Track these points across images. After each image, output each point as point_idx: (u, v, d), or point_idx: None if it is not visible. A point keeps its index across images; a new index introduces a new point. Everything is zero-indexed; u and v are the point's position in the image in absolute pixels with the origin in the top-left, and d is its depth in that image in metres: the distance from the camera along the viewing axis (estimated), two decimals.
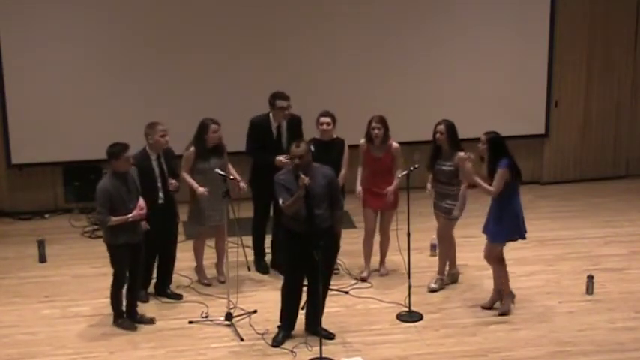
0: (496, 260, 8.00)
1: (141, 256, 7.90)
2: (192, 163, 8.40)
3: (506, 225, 7.84)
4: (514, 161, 7.82)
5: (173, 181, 8.19)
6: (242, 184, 8.44)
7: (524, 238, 8.01)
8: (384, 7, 11.00)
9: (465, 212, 8.44)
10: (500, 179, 7.70)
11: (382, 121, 8.48)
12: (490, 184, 7.75)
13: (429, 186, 8.46)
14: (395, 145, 8.60)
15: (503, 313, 8.04)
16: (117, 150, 7.57)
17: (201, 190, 8.33)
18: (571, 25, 11.47)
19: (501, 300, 8.15)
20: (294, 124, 8.80)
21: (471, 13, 11.20)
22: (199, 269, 8.82)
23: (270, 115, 8.74)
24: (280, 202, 7.39)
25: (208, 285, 8.72)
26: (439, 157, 8.32)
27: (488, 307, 8.18)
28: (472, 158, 8.08)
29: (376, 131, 8.47)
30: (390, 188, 8.52)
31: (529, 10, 11.32)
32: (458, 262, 8.82)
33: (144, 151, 8.09)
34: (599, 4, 11.48)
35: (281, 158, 8.46)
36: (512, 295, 8.14)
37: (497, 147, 7.79)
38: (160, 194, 8.14)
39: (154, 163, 8.12)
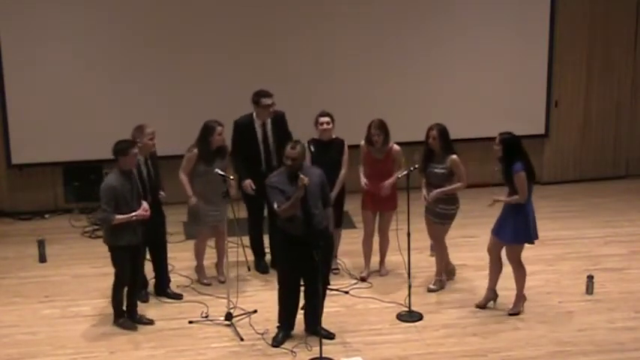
0: (519, 262, 8.00)
1: (141, 258, 7.90)
2: (193, 164, 8.39)
3: (521, 226, 7.83)
4: (529, 161, 7.81)
5: (163, 193, 8.26)
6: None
7: (532, 243, 7.99)
8: (384, 7, 11.00)
9: (464, 212, 8.43)
10: (522, 184, 7.70)
11: (381, 127, 8.46)
12: (508, 185, 7.77)
13: (424, 191, 8.41)
14: (396, 147, 8.59)
15: (515, 314, 8.05)
16: (124, 146, 7.58)
17: (193, 200, 8.37)
18: (571, 25, 11.47)
19: (495, 299, 8.19)
20: (279, 120, 8.80)
21: (471, 13, 11.20)
22: (199, 269, 8.82)
23: (254, 114, 8.73)
24: (275, 206, 7.34)
25: (208, 285, 8.72)
26: (431, 161, 8.31)
27: (482, 306, 8.18)
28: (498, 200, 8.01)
29: (375, 137, 8.47)
30: (387, 182, 8.50)
31: (529, 10, 11.33)
32: (457, 262, 8.84)
33: None
34: (599, 4, 11.48)
35: (248, 183, 8.53)
36: (524, 299, 8.15)
37: (512, 148, 7.78)
38: (148, 195, 8.13)
39: (142, 167, 8.11)
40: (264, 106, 8.64)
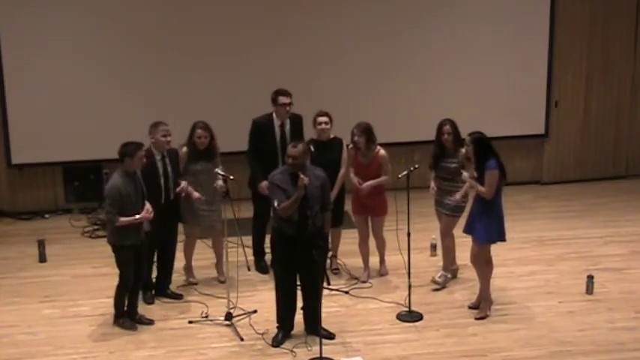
0: (484, 263, 7.97)
1: (143, 257, 7.90)
2: (184, 163, 8.40)
3: (493, 225, 7.81)
4: (501, 161, 7.79)
5: (182, 183, 8.20)
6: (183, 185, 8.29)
7: (504, 240, 7.98)
8: (384, 7, 11.00)
9: (465, 212, 8.42)
10: (492, 180, 7.67)
11: (363, 130, 8.41)
12: (479, 185, 7.75)
13: (432, 184, 8.45)
14: (382, 152, 8.54)
15: (481, 318, 7.99)
16: (132, 148, 7.58)
17: (196, 194, 8.35)
18: (571, 25, 11.48)
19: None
20: (296, 123, 8.81)
21: (471, 13, 11.21)
22: (188, 268, 8.81)
23: (274, 114, 8.73)
24: (275, 203, 7.33)
25: (194, 284, 8.71)
26: (443, 156, 8.31)
27: (476, 306, 8.15)
28: (470, 175, 8.01)
29: (355, 138, 8.45)
30: (366, 184, 8.46)
31: (529, 10, 11.33)
32: (458, 262, 8.83)
33: (148, 150, 8.09)
34: (599, 4, 11.49)
35: (264, 185, 8.45)
36: (491, 302, 8.10)
37: (483, 147, 7.75)
38: (163, 194, 8.14)
39: (159, 163, 8.12)
40: (282, 104, 8.63)
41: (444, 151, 8.32)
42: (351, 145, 8.57)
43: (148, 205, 7.72)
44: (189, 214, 8.50)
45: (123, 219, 7.53)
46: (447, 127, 8.24)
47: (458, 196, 8.28)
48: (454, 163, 8.26)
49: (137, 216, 7.59)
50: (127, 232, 7.61)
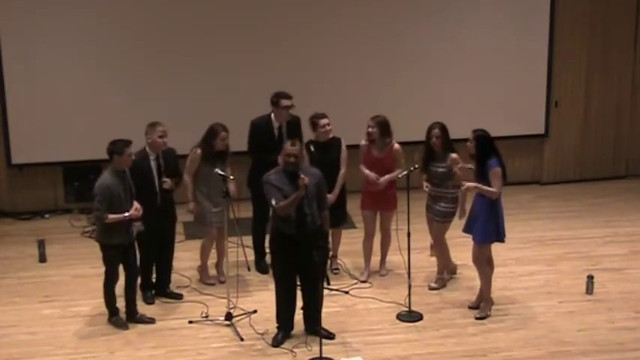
0: (485, 263, 7.97)
1: (133, 256, 7.90)
2: (197, 165, 8.39)
3: (491, 226, 7.81)
4: (502, 160, 7.79)
5: (167, 180, 8.18)
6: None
7: (503, 241, 7.98)
8: (383, 7, 11.00)
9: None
10: (498, 179, 7.68)
11: (378, 123, 8.44)
12: (479, 182, 7.74)
13: (425, 184, 8.44)
14: (396, 146, 8.58)
15: (481, 318, 8.00)
16: (120, 146, 7.59)
17: (191, 205, 8.41)
18: (571, 25, 11.48)
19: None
20: (294, 125, 8.80)
21: (471, 13, 11.21)
22: (203, 269, 8.80)
23: (272, 115, 8.72)
24: (273, 202, 7.33)
25: (212, 285, 8.70)
26: (432, 159, 8.31)
27: (476, 306, 8.15)
28: (465, 167, 8.02)
29: (369, 129, 8.45)
30: (385, 177, 8.46)
31: (529, 10, 11.33)
32: (458, 262, 8.84)
33: (143, 150, 8.10)
34: (599, 4, 11.49)
35: None
36: (491, 302, 8.12)
37: (486, 145, 7.75)
38: (158, 194, 8.14)
39: (153, 163, 8.12)
40: (284, 107, 8.63)
41: (433, 154, 8.31)
42: (364, 141, 8.56)
43: (136, 204, 7.72)
44: (202, 216, 8.49)
45: (112, 216, 7.55)
46: (436, 131, 8.22)
47: (459, 215, 8.27)
48: (442, 167, 8.25)
49: (126, 214, 7.60)
50: (115, 231, 7.62)
